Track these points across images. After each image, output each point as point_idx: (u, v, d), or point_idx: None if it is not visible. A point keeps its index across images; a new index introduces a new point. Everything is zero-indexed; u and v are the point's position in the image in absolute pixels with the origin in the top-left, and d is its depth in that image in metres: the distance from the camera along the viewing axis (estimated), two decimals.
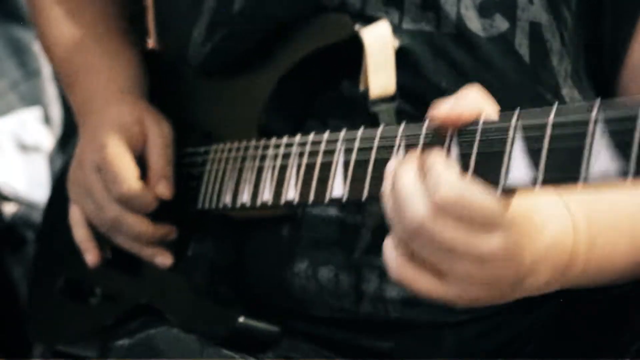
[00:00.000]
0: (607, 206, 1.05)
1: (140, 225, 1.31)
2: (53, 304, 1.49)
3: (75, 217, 1.40)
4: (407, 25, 1.17)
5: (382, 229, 1.19)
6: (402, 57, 1.17)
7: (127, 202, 1.30)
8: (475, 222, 0.91)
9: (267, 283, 1.26)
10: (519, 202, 0.92)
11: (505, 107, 1.12)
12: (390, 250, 0.96)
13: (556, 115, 0.87)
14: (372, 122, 1.16)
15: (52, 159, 2.06)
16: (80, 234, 1.39)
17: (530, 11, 1.16)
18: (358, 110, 1.18)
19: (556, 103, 0.89)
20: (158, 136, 1.33)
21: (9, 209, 2.03)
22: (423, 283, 0.95)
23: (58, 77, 1.53)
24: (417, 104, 1.17)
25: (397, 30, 1.18)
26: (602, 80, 1.20)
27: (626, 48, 1.18)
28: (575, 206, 1.00)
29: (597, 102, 0.84)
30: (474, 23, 1.16)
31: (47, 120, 2.11)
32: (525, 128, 0.90)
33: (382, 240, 1.19)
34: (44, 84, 2.11)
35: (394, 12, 1.18)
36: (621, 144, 0.82)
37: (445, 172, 0.92)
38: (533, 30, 1.16)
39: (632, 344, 1.15)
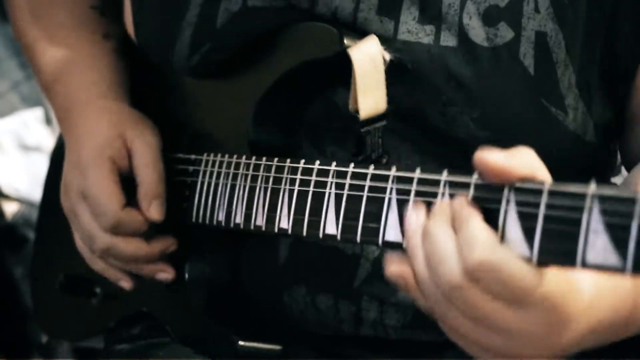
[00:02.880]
0: None
1: (134, 249, 1.25)
2: (55, 300, 1.47)
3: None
4: (403, 36, 1.14)
5: (381, 260, 1.19)
6: (396, 71, 1.14)
7: (116, 231, 1.25)
8: (506, 293, 0.87)
9: (265, 305, 1.25)
10: (561, 277, 0.88)
11: (508, 121, 1.12)
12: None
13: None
14: (359, 139, 1.14)
15: None
16: (100, 265, 1.33)
17: (536, 20, 1.12)
18: (349, 124, 1.15)
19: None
20: (143, 151, 1.26)
21: (11, 208, 2.04)
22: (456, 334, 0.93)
23: (37, 80, 1.45)
24: (411, 120, 1.15)
25: (392, 41, 1.13)
26: (618, 93, 1.18)
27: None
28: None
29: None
30: (477, 32, 1.13)
31: (48, 120, 2.11)
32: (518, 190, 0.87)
33: (382, 270, 1.16)
34: None
35: (389, 22, 1.14)
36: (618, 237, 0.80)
37: (483, 232, 0.87)
38: (539, 40, 1.12)
39: (634, 345, 1.14)
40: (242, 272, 1.26)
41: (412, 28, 1.13)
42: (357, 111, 1.13)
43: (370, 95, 1.12)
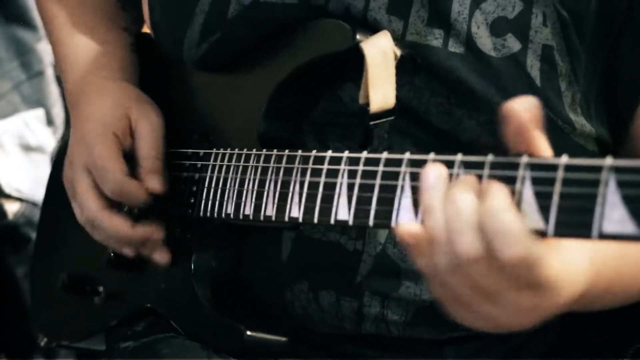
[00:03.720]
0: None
1: (115, 227, 1.28)
2: (56, 300, 1.47)
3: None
4: (411, 37, 1.15)
5: (383, 257, 1.20)
6: (406, 69, 1.15)
7: (119, 198, 1.27)
8: (528, 281, 0.89)
9: (268, 300, 1.25)
10: (563, 257, 0.91)
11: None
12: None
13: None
14: (367, 133, 1.16)
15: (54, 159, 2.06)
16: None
17: (543, 34, 1.14)
18: (357, 119, 1.17)
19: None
20: (146, 130, 1.30)
21: (13, 208, 2.04)
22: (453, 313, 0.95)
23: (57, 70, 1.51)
24: (416, 119, 1.16)
25: (400, 41, 1.14)
26: (617, 115, 1.19)
27: None
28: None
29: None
30: (485, 42, 1.14)
31: (50, 121, 2.11)
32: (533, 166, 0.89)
33: (384, 267, 1.19)
34: (47, 85, 2.10)
35: (398, 22, 1.15)
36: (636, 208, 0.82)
37: (515, 225, 0.88)
38: (545, 53, 1.13)
39: (631, 345, 1.15)
40: (245, 268, 1.26)
41: (420, 30, 1.15)
42: (367, 104, 1.14)
43: (380, 89, 1.13)
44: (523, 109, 0.89)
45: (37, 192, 1.97)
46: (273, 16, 1.20)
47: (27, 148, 2.07)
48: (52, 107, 2.11)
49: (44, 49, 2.09)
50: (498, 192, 0.88)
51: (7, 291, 2.04)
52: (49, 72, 2.10)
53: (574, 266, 0.92)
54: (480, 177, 0.92)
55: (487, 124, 1.14)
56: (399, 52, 1.14)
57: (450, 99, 1.14)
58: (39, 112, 2.09)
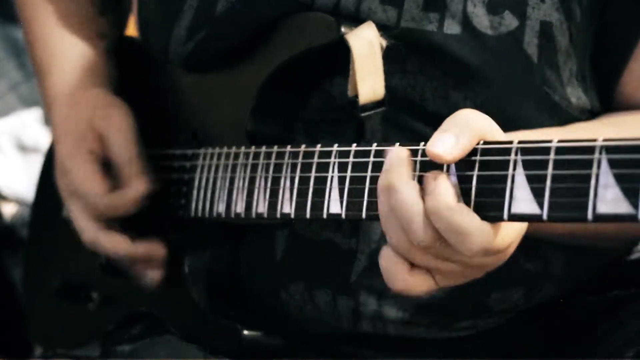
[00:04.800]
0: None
1: (114, 245, 1.29)
2: (50, 307, 1.48)
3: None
4: (406, 24, 1.15)
5: (377, 253, 1.18)
6: (394, 58, 1.15)
7: (111, 215, 1.28)
8: (483, 253, 0.93)
9: (263, 300, 1.25)
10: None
11: (512, 107, 1.13)
12: (389, 260, 0.98)
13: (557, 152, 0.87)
14: (359, 127, 1.15)
15: None
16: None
17: (541, 10, 1.13)
18: (346, 113, 1.16)
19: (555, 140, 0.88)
20: (115, 136, 1.30)
21: (9, 209, 2.03)
22: (422, 287, 0.97)
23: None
24: (411, 108, 1.16)
25: (393, 29, 1.14)
26: (603, 82, 1.19)
27: (631, 51, 1.17)
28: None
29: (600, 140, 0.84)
30: (481, 20, 1.13)
31: (46, 121, 2.10)
32: (525, 151, 0.90)
33: (379, 265, 1.18)
34: None
35: (392, 10, 1.15)
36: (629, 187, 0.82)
37: (469, 220, 0.92)
38: (543, 30, 1.13)
39: (627, 349, 1.14)
40: (240, 268, 1.26)
41: (416, 16, 1.14)
42: (356, 96, 1.13)
43: (369, 80, 1.13)
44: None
45: (33, 193, 1.97)
46: (261, 12, 1.20)
47: (24, 148, 2.07)
48: None
49: None
50: (444, 188, 0.92)
51: (4, 293, 2.03)
52: None
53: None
54: (473, 162, 0.93)
55: (484, 105, 1.13)
56: (384, 43, 1.14)
57: (447, 82, 1.14)
58: (36, 112, 2.09)
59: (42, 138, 2.09)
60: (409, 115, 1.16)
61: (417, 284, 0.97)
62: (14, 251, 2.04)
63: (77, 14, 1.44)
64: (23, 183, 2.05)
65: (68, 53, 1.40)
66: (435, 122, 1.14)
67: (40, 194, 1.55)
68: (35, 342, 1.60)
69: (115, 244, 1.29)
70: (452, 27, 1.13)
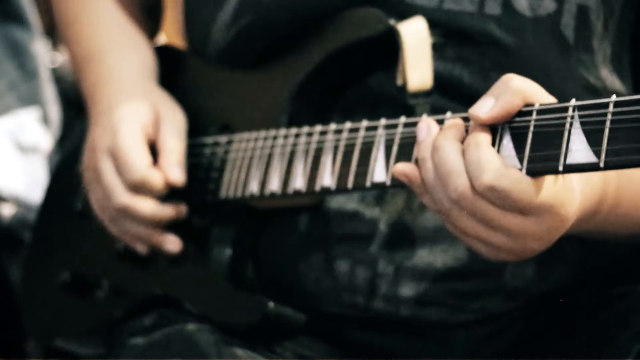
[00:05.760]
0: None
1: (151, 209, 1.29)
2: (52, 299, 1.47)
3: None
4: (447, 5, 1.17)
5: (399, 223, 1.20)
6: (440, 48, 1.18)
7: (138, 189, 1.28)
8: (511, 206, 0.97)
9: (280, 276, 1.26)
10: (556, 184, 0.98)
11: (548, 88, 1.14)
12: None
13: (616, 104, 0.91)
14: (408, 114, 1.16)
15: (50, 160, 2.05)
16: (117, 228, 1.36)
17: None
18: (385, 106, 1.18)
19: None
20: (171, 123, 1.32)
21: (7, 210, 2.02)
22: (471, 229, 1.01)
23: (72, 61, 1.51)
24: (452, 92, 1.19)
25: (436, 10, 1.17)
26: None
27: None
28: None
29: None
30: (521, 2, 1.16)
31: (45, 120, 2.09)
32: (581, 108, 0.94)
33: (399, 234, 1.20)
34: (42, 84, 2.09)
35: None
36: None
37: (493, 158, 0.97)
38: (580, 13, 1.17)
39: (634, 345, 1.15)
40: (260, 247, 1.27)
41: None
42: (404, 84, 1.17)
43: (418, 69, 1.16)
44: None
45: (32, 193, 1.96)
46: (309, 3, 1.22)
47: (22, 148, 2.06)
48: (47, 106, 2.10)
49: (39, 49, 2.08)
50: (477, 131, 0.98)
51: (2, 293, 2.02)
52: (44, 72, 2.09)
53: (562, 192, 0.99)
54: (528, 123, 0.98)
55: None
56: (431, 40, 1.18)
57: (485, 63, 1.18)
58: (35, 112, 2.08)
59: (40, 138, 2.08)
60: (450, 99, 1.19)
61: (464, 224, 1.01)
62: (12, 252, 2.02)
63: (133, 9, 1.49)
64: (21, 183, 2.04)
65: (122, 37, 1.44)
66: (473, 102, 1.17)
67: (51, 191, 1.56)
68: (30, 336, 1.58)
69: (151, 207, 1.29)
70: (492, 8, 1.17)
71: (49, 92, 2.11)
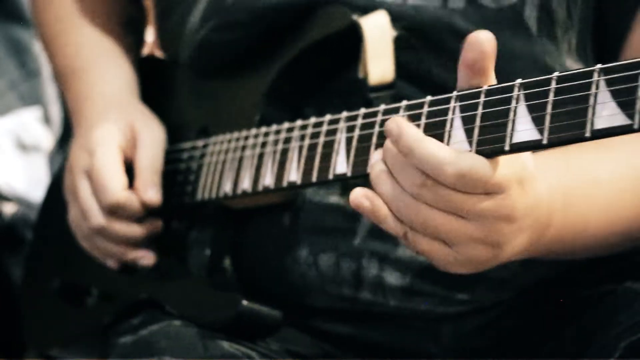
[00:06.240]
0: (585, 176, 1.09)
1: (125, 229, 1.31)
2: (48, 306, 1.48)
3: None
4: (412, 1, 1.18)
5: None
6: (404, 40, 1.18)
7: (113, 211, 1.29)
8: (477, 187, 0.95)
9: (266, 271, 1.26)
10: (512, 162, 0.96)
11: (512, 76, 1.14)
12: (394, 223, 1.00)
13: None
14: (368, 106, 1.16)
15: (51, 159, 2.05)
16: (89, 244, 1.38)
17: None
18: (355, 100, 1.17)
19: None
20: (149, 142, 1.32)
21: (9, 209, 2.03)
22: (433, 249, 0.99)
23: (55, 76, 1.53)
24: (420, 83, 1.18)
25: (401, 5, 1.17)
26: (605, 55, 1.21)
27: (629, 26, 1.19)
28: (554, 172, 1.05)
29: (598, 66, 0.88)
30: None
31: (46, 120, 2.11)
32: (527, 86, 0.93)
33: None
34: (44, 83, 2.10)
35: None
36: (625, 100, 0.86)
37: (437, 147, 0.95)
38: (542, 2, 1.17)
39: (621, 341, 1.14)
40: (243, 244, 1.27)
41: None
42: (365, 77, 1.17)
43: (379, 62, 1.16)
44: (487, 39, 0.96)
45: (33, 192, 1.97)
46: (272, 3, 1.22)
47: (24, 147, 2.07)
48: (48, 105, 2.11)
49: (40, 48, 2.08)
50: (406, 129, 0.97)
51: (3, 292, 2.02)
52: (46, 71, 2.10)
53: (520, 170, 0.97)
54: (477, 104, 0.97)
55: None
56: (394, 33, 1.18)
57: (452, 56, 1.15)
58: (36, 111, 2.09)
59: (42, 137, 2.09)
60: (419, 90, 1.18)
61: (426, 244, 0.99)
62: (14, 251, 2.03)
63: (112, 23, 1.48)
64: (23, 182, 2.05)
65: (101, 50, 1.44)
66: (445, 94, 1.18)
67: (50, 196, 1.56)
68: (28, 345, 1.59)
69: (127, 227, 1.30)
70: (456, 2, 1.17)
71: (50, 92, 2.11)
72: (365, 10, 1.19)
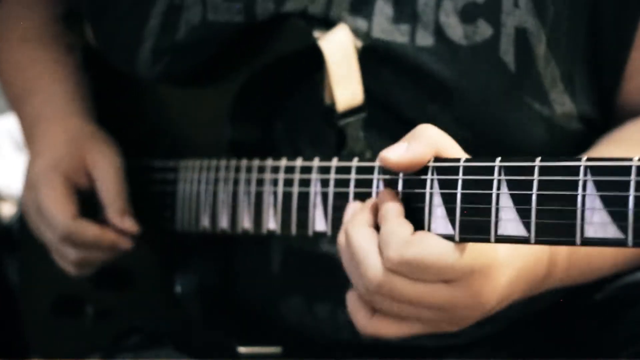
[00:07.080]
0: None
1: (75, 255, 1.29)
2: (47, 319, 1.47)
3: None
4: (377, 34, 1.11)
5: None
6: (372, 63, 1.12)
7: (69, 240, 1.27)
8: (433, 277, 0.91)
9: (260, 313, 1.23)
10: (477, 247, 0.91)
11: (492, 119, 1.09)
12: (353, 305, 0.97)
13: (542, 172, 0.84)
14: (339, 135, 1.12)
15: None
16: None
17: (516, 15, 1.09)
18: (325, 121, 1.14)
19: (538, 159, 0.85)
20: (106, 171, 1.28)
21: (7, 209, 2.03)
22: (390, 330, 0.96)
23: (6, 97, 1.47)
24: (391, 113, 1.13)
25: (365, 39, 1.11)
26: (603, 86, 1.15)
27: (628, 52, 1.13)
28: None
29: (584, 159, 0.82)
30: (455, 31, 1.09)
31: None
32: (509, 170, 0.87)
33: None
34: None
35: (361, 21, 1.12)
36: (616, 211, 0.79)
37: (397, 229, 0.91)
38: (519, 37, 1.09)
39: (629, 346, 1.13)
40: (236, 280, 1.24)
41: (385, 28, 1.11)
42: (333, 103, 1.11)
43: (345, 86, 1.10)
44: (394, 163, 0.94)
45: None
46: (222, 35, 1.18)
47: (22, 147, 2.06)
48: None
49: None
50: (389, 213, 0.93)
51: (2, 293, 2.02)
52: None
53: (484, 252, 0.93)
54: (455, 181, 0.91)
55: (463, 117, 1.10)
56: (359, 44, 1.11)
57: (422, 95, 1.11)
58: None
59: None
60: (389, 119, 1.13)
61: (380, 328, 0.96)
62: (12, 251, 2.03)
63: (40, 29, 1.41)
64: (21, 183, 2.04)
65: (42, 74, 1.38)
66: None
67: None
68: (34, 354, 1.58)
69: (70, 251, 1.28)
70: (424, 39, 1.10)
71: None
72: (328, 24, 1.13)
